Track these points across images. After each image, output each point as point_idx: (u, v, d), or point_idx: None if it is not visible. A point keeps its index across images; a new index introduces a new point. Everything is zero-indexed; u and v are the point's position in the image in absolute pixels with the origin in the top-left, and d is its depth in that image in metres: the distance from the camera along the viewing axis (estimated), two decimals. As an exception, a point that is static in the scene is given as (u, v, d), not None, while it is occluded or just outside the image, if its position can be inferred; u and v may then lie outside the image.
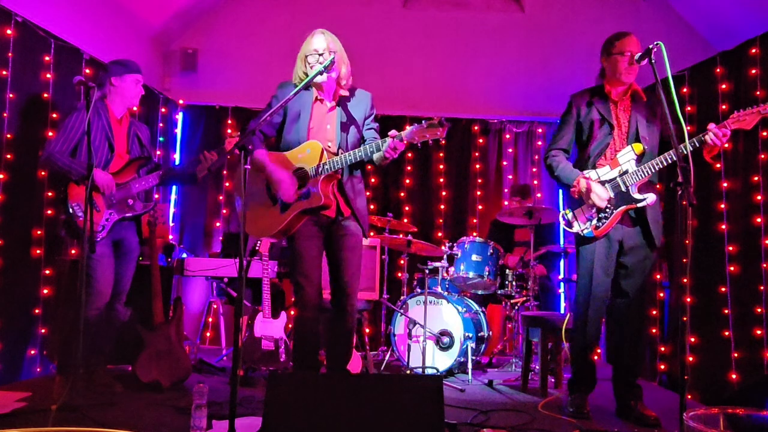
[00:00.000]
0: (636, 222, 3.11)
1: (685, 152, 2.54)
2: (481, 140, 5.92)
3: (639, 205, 3.05)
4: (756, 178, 3.72)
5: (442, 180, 5.84)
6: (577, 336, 3.22)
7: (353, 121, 3.06)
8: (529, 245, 4.65)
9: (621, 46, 3.07)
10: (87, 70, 4.21)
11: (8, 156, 3.60)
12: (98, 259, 3.27)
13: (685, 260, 2.47)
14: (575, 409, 3.14)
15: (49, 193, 3.85)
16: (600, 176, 3.11)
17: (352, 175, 3.03)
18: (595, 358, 5.22)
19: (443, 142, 5.74)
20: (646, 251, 3.11)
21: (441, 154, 5.87)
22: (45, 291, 3.82)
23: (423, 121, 2.75)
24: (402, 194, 5.82)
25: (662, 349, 4.42)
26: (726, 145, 2.91)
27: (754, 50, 3.80)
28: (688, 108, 4.26)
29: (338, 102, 3.06)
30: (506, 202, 5.74)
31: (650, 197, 3.04)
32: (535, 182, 5.90)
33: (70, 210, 3.20)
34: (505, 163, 5.93)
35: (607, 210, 3.06)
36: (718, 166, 3.99)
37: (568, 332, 3.73)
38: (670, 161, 2.94)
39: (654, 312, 4.53)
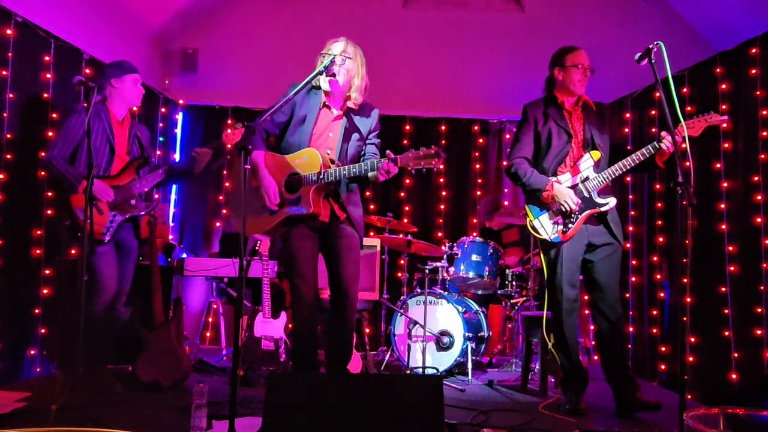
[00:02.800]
0: (600, 221, 3.23)
1: (640, 161, 2.99)
2: (481, 140, 5.92)
3: (602, 209, 3.18)
4: (756, 178, 3.72)
5: (442, 180, 5.84)
6: (557, 339, 3.31)
7: (357, 133, 3.07)
8: (518, 244, 4.68)
9: (575, 59, 3.23)
10: (87, 70, 4.20)
11: (8, 156, 3.59)
12: (101, 256, 3.29)
13: (685, 260, 2.48)
14: (571, 406, 3.19)
15: (49, 193, 3.85)
16: (562, 183, 3.23)
17: (348, 188, 3.05)
18: (595, 357, 5.25)
19: (443, 142, 5.81)
20: (613, 246, 3.23)
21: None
22: (45, 291, 3.82)
23: (420, 149, 2.78)
24: (402, 194, 5.81)
25: (662, 349, 4.42)
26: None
27: (754, 50, 3.80)
28: (688, 108, 4.26)
29: (345, 112, 3.06)
30: (507, 203, 5.74)
31: (611, 201, 3.19)
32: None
33: (76, 215, 3.21)
34: (505, 163, 5.92)
35: (573, 215, 3.17)
36: (718, 166, 3.99)
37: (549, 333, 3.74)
38: (628, 167, 3.10)
39: (654, 312, 4.53)
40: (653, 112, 4.70)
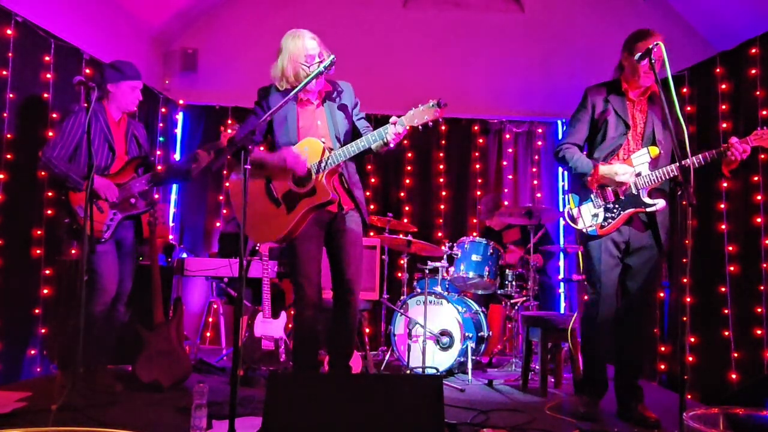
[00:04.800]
0: (648, 226, 3.06)
1: (689, 163, 2.50)
2: (481, 140, 5.92)
3: (648, 210, 3.00)
4: (756, 178, 3.72)
5: (442, 180, 5.84)
6: (589, 337, 3.13)
7: (342, 114, 3.05)
8: (519, 243, 4.67)
9: (646, 48, 2.92)
10: (87, 70, 4.21)
11: (8, 156, 3.60)
12: (102, 255, 3.29)
13: (685, 260, 2.47)
14: (587, 410, 3.06)
15: (49, 193, 3.85)
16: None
17: (347, 167, 3.03)
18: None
19: (443, 142, 5.81)
20: (652, 253, 3.06)
21: (441, 154, 5.87)
22: (45, 291, 3.82)
23: (419, 105, 2.76)
24: (402, 194, 5.81)
25: (662, 349, 4.42)
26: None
27: (754, 50, 3.80)
28: (688, 108, 4.26)
29: (324, 98, 3.05)
30: (506, 202, 5.74)
31: (660, 203, 2.99)
32: (535, 182, 5.91)
33: (75, 212, 3.21)
34: (505, 163, 5.94)
35: (615, 210, 3.01)
36: (719, 165, 3.99)
37: (573, 333, 3.72)
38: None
39: (654, 312, 4.53)
40: (653, 112, 4.70)
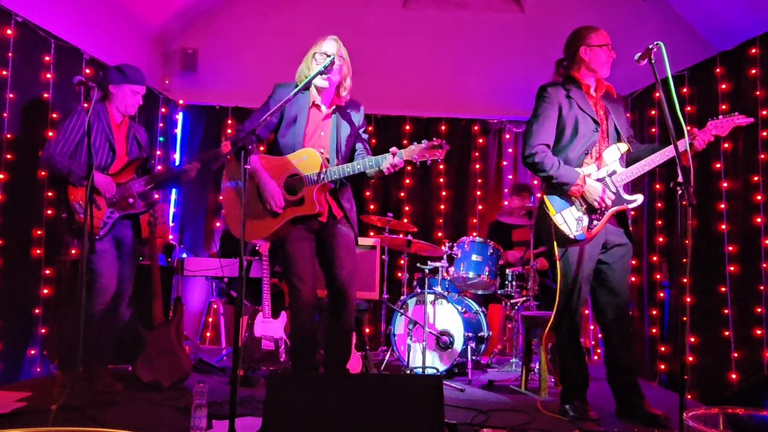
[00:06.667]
0: (619, 221, 3.08)
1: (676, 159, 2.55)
2: (481, 140, 5.92)
3: (630, 206, 3.00)
4: (756, 178, 3.72)
5: (442, 180, 5.84)
6: (569, 344, 3.11)
7: (348, 130, 3.09)
8: (528, 245, 4.65)
9: (602, 39, 3.06)
10: (87, 70, 4.21)
11: (8, 156, 3.60)
12: (101, 254, 3.30)
13: (685, 260, 2.47)
14: (580, 414, 3.02)
15: (49, 193, 3.85)
16: (590, 176, 3.01)
17: (343, 183, 3.06)
18: (595, 358, 5.25)
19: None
20: (627, 247, 3.08)
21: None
22: (45, 291, 3.82)
23: (424, 141, 2.80)
24: (402, 194, 5.81)
25: (662, 349, 4.42)
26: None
27: (753, 50, 3.80)
28: (688, 108, 4.27)
29: (334, 110, 3.07)
30: (506, 202, 5.74)
31: (639, 198, 3.01)
32: (535, 182, 5.90)
33: (72, 208, 3.22)
34: (505, 163, 5.94)
35: (600, 212, 2.98)
36: (718, 166, 3.99)
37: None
38: (657, 163, 2.93)
39: (654, 312, 4.53)
40: (653, 112, 4.71)
